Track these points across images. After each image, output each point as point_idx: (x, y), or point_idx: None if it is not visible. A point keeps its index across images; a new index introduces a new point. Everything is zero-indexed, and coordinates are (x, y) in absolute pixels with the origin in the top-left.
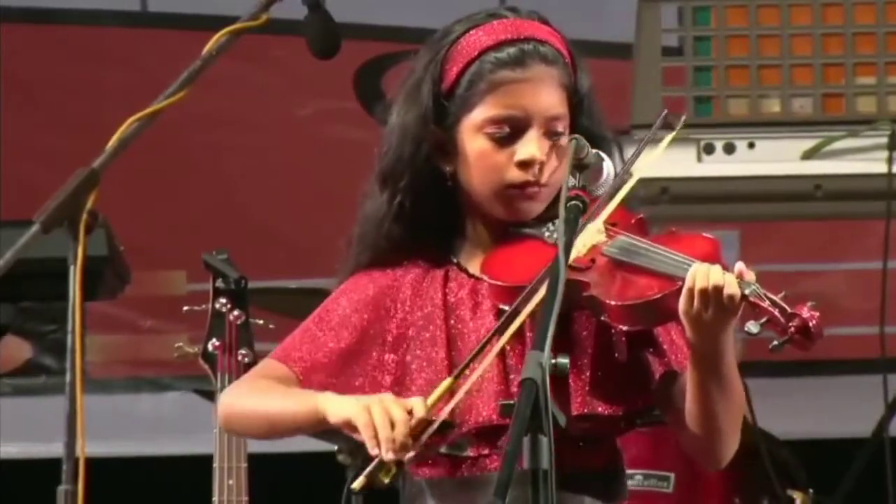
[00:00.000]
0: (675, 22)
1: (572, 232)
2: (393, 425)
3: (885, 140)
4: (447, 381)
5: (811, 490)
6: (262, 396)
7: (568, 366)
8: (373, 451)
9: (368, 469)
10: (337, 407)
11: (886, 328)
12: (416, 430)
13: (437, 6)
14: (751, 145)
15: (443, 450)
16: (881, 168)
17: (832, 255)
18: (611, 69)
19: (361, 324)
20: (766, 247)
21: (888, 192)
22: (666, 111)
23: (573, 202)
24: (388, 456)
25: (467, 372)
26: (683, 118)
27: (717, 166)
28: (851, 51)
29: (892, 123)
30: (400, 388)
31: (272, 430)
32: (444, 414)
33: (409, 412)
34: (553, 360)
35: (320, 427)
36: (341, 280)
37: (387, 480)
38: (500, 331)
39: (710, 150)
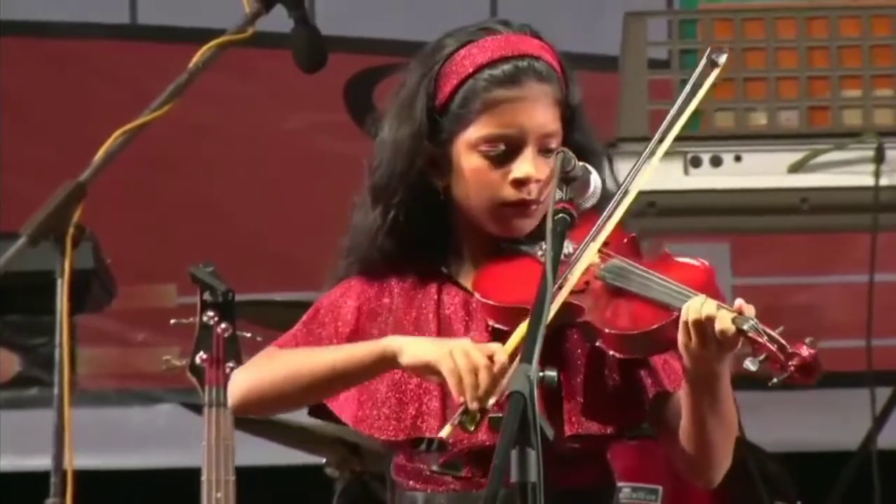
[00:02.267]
0: (662, 35)
1: (560, 245)
2: (476, 372)
3: (871, 153)
4: (524, 326)
5: (799, 503)
6: (302, 356)
7: (556, 378)
8: (458, 398)
9: (455, 419)
10: (414, 348)
11: (873, 341)
12: (499, 377)
13: (426, 19)
14: (737, 158)
15: (435, 468)
16: (868, 181)
17: (819, 269)
18: (601, 82)
19: (354, 322)
20: (755, 260)
21: (874, 205)
22: (710, 49)
23: (560, 215)
24: (474, 405)
25: None
26: (726, 55)
27: (704, 179)
28: (837, 64)
29: (879, 136)
30: (395, 391)
31: (313, 389)
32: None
33: (490, 358)
34: (541, 374)
35: (379, 371)
36: (330, 287)
37: (472, 428)
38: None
39: (697, 163)
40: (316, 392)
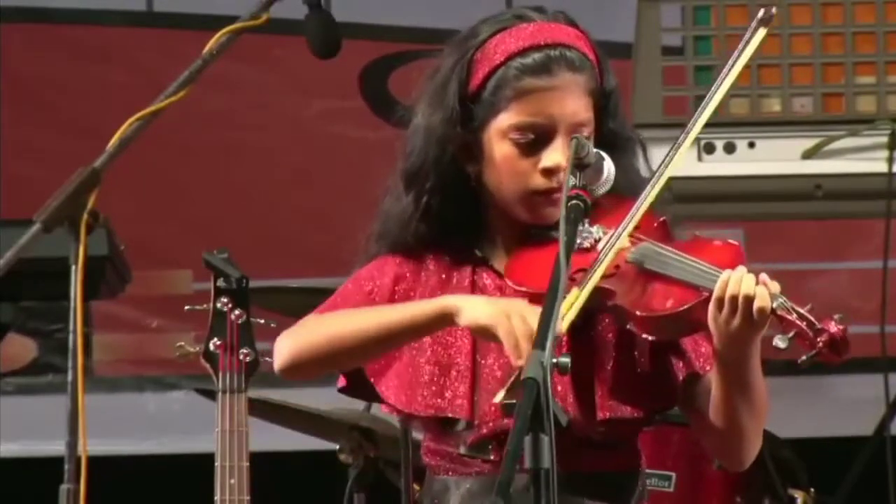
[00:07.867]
0: (675, 21)
1: (574, 232)
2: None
3: (885, 139)
4: (575, 292)
5: (813, 489)
6: (352, 316)
7: (569, 365)
8: (516, 362)
9: (510, 383)
10: (472, 311)
11: (887, 327)
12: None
13: (443, 7)
14: (751, 145)
15: (464, 451)
16: (881, 167)
17: (833, 255)
18: (615, 69)
19: (389, 298)
20: (769, 246)
21: (888, 191)
22: (762, 11)
23: (574, 202)
24: None
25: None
26: (774, 11)
27: (718, 165)
28: (851, 50)
29: (892, 123)
30: (438, 367)
31: (363, 348)
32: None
33: None
34: (554, 360)
35: (434, 330)
36: (363, 265)
37: None
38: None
39: (710, 149)
40: (365, 352)
